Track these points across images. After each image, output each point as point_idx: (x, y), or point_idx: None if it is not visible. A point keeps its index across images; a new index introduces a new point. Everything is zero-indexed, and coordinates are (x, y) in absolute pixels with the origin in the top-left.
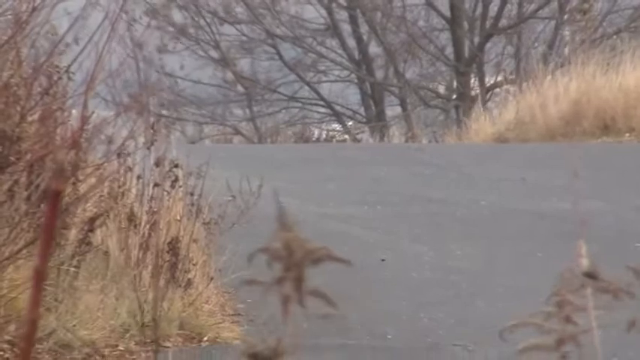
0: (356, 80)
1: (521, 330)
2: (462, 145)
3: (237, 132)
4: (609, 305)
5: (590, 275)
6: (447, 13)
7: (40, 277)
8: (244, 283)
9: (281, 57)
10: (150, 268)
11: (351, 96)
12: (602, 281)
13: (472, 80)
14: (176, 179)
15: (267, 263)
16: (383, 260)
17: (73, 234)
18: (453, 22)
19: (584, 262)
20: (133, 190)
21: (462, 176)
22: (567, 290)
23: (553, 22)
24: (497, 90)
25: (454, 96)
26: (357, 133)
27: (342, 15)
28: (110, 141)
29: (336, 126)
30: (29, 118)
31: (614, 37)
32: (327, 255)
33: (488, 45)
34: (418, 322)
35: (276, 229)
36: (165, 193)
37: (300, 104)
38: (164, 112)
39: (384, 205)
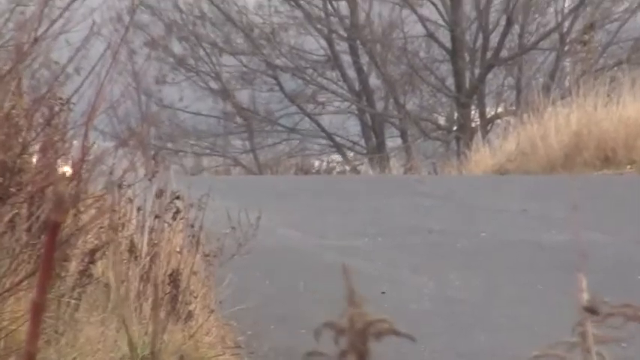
0: (356, 112)
1: None
2: (462, 177)
3: (237, 163)
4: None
5: (591, 310)
6: (448, 45)
7: (38, 310)
8: (309, 354)
9: (281, 88)
10: (150, 300)
11: (351, 127)
12: (617, 309)
13: (473, 112)
14: (177, 211)
15: (334, 338)
16: (383, 293)
17: (73, 266)
18: (454, 53)
19: (585, 296)
20: (134, 222)
21: (462, 207)
22: (591, 321)
23: (554, 54)
24: (498, 121)
25: (455, 127)
26: (357, 165)
27: (343, 46)
28: (111, 172)
29: (337, 157)
30: (30, 150)
31: (615, 68)
32: (390, 329)
33: (489, 76)
34: (418, 355)
35: (345, 306)
36: (166, 224)
37: (300, 136)
38: (164, 143)
39: (384, 237)
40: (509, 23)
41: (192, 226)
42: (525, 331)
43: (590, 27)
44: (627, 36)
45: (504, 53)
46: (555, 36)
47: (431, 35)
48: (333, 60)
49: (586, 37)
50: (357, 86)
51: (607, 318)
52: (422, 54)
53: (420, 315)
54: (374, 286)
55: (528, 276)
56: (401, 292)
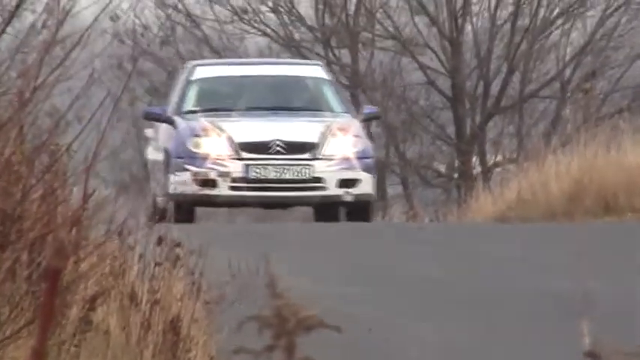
0: None
1: None
2: (463, 224)
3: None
4: None
5: (592, 355)
6: (449, 92)
7: (38, 357)
8: (234, 351)
9: None
10: (151, 347)
11: None
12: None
13: (473, 159)
14: (177, 258)
15: (259, 331)
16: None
17: (73, 312)
18: (455, 100)
19: (586, 342)
20: (135, 269)
21: (463, 255)
22: None
23: (555, 102)
24: (498, 169)
25: (455, 175)
26: None
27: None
28: (111, 219)
29: None
30: (31, 197)
31: (616, 116)
32: (318, 322)
33: (490, 124)
34: None
35: (268, 297)
36: (167, 272)
37: None
38: None
39: (385, 284)
40: (511, 71)
41: (193, 273)
42: None
43: (592, 75)
44: (628, 83)
45: (505, 101)
46: (556, 84)
47: (431, 83)
48: None
49: (587, 85)
50: None
51: None
52: (422, 101)
53: None
54: (375, 333)
55: (529, 324)
56: (401, 340)
